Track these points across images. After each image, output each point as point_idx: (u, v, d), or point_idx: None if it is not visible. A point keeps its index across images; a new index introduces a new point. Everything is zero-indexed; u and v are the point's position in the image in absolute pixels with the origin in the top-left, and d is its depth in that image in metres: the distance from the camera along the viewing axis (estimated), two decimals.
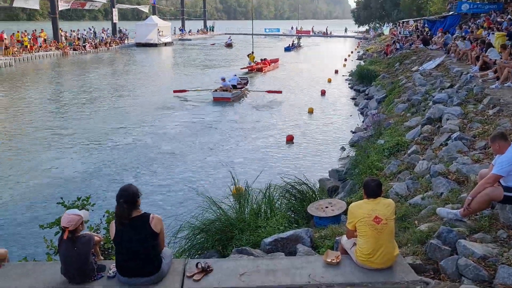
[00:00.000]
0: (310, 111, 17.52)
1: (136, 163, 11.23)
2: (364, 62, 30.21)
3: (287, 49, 47.37)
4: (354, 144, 11.50)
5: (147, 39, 50.29)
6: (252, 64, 30.88)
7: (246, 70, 29.60)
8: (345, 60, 37.17)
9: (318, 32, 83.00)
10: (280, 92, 20.43)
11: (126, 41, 51.08)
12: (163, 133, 14.13)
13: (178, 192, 9.41)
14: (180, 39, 63.82)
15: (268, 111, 17.86)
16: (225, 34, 78.49)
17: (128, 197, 3.72)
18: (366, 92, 19.68)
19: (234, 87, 20.99)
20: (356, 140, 11.73)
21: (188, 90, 20.78)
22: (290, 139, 13.44)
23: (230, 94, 20.02)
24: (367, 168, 7.84)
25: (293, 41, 52.36)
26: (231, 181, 7.03)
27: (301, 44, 52.93)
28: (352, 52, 44.66)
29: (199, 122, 15.76)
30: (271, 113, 17.50)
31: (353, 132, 13.83)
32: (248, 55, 33.20)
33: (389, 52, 28.54)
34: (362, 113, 16.31)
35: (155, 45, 50.27)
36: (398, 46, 28.52)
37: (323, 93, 21.67)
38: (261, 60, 31.83)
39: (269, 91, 20.63)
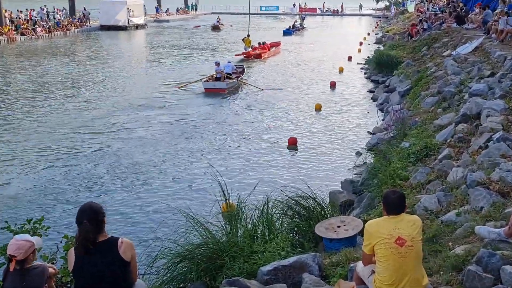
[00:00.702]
0: (318, 108, 17.71)
1: (103, 176, 11.29)
2: (383, 46, 30.48)
3: (287, 32, 47.73)
4: (372, 148, 11.62)
5: (115, 20, 50.46)
6: (249, 49, 31.27)
7: (242, 57, 30.16)
8: (360, 44, 37.47)
9: (326, 10, 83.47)
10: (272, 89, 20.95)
11: (87, 24, 51.24)
12: (138, 137, 14.24)
13: (156, 211, 9.45)
14: (155, 20, 64.02)
15: (266, 108, 18.03)
16: (212, 13, 78.71)
17: (92, 216, 3.73)
18: (387, 84, 19.88)
19: (229, 76, 21.63)
20: (375, 143, 11.82)
21: (181, 87, 21.17)
22: (292, 143, 13.56)
23: (225, 85, 20.61)
24: (389, 177, 7.88)
25: (295, 21, 52.68)
26: (220, 196, 7.05)
27: (304, 26, 53.40)
28: (368, 34, 45.00)
29: (184, 123, 15.88)
30: (270, 110, 17.67)
31: (371, 133, 13.98)
32: (243, 39, 33.60)
33: (415, 34, 28.68)
34: (381, 110, 16.45)
35: (124, 28, 50.49)
36: (425, 26, 28.67)
37: (333, 85, 21.90)
38: (259, 44, 32.34)
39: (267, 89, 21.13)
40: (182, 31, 51.83)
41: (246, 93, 20.96)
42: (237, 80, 21.87)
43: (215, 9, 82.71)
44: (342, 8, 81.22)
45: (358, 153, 12.39)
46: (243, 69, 24.34)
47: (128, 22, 51.19)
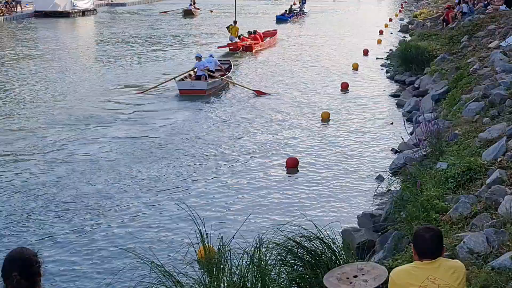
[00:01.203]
0: (325, 118, 17.82)
1: (39, 212, 11.17)
2: (411, 36, 30.97)
3: (281, 18, 48.24)
4: (398, 170, 11.58)
5: (54, 5, 50.63)
6: (236, 40, 31.72)
7: (227, 49, 30.94)
8: (381, 33, 37.85)
9: None
10: (265, 94, 21.22)
11: (18, 9, 51.30)
12: (85, 161, 14.13)
13: (110, 258, 9.38)
14: (108, 4, 64.36)
15: (259, 118, 18.13)
16: None
17: (24, 268, 3.69)
18: (416, 85, 19.94)
19: (212, 74, 22.25)
20: (401, 164, 11.80)
21: (144, 91, 21.62)
22: (292, 165, 13.58)
23: (205, 85, 21.12)
24: (421, 209, 7.88)
25: (293, 3, 53.03)
26: (196, 238, 7.01)
27: (305, 10, 53.94)
28: (391, 20, 45.55)
29: (148, 139, 15.85)
30: (264, 121, 17.75)
31: (397, 152, 14.00)
32: (228, 27, 34.03)
33: (451, 19, 29.07)
34: (409, 120, 16.43)
35: (66, 14, 50.71)
36: (465, 9, 29.07)
37: (344, 88, 22.08)
38: (250, 33, 33.18)
39: (259, 92, 21.41)
40: (143, 17, 52.19)
41: (233, 96, 21.19)
42: (222, 79, 22.29)
43: None
44: None
45: (380, 178, 12.34)
46: (230, 65, 24.79)
47: (72, 7, 51.36)
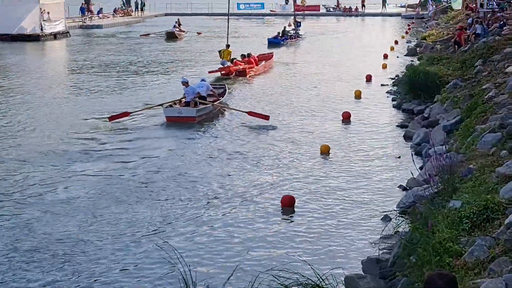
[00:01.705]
0: (324, 151, 17.85)
1: (2, 262, 10.99)
2: (419, 60, 30.98)
3: (274, 41, 48.66)
4: (407, 209, 11.55)
5: (20, 27, 50.82)
6: (228, 64, 32.04)
7: (219, 74, 31.59)
8: (385, 57, 38.11)
9: (334, 9, 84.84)
10: (267, 118, 21.60)
11: None
12: (58, 202, 13.92)
13: None
14: (82, 26, 64.82)
15: (252, 150, 18.25)
16: (165, 15, 79.64)
17: None
18: (425, 114, 20.05)
19: (203, 99, 22.77)
20: (410, 203, 11.77)
21: (130, 113, 22.44)
22: (288, 204, 13.54)
23: (194, 112, 21.71)
24: (432, 253, 7.88)
25: (285, 26, 53.31)
26: None
27: (300, 33, 54.24)
28: (397, 43, 45.89)
29: (129, 176, 15.79)
30: (257, 154, 17.84)
31: (405, 189, 13.98)
32: (219, 52, 34.60)
33: (464, 42, 29.24)
34: (418, 153, 16.48)
35: (36, 37, 50.80)
36: (479, 30, 29.29)
37: (346, 118, 22.15)
38: (243, 57, 33.90)
39: (252, 113, 22.01)
40: (121, 41, 52.58)
41: (225, 124, 21.52)
42: (212, 104, 22.84)
43: (171, 9, 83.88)
44: (363, 5, 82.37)
45: (386, 218, 12.27)
46: (225, 90, 25.43)
47: (42, 30, 51.57)
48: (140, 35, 56.13)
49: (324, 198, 14.16)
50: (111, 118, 21.70)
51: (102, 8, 74.99)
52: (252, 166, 16.72)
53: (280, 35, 50.56)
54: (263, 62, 35.01)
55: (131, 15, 78.52)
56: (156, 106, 22.88)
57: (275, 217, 13.09)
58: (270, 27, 60.77)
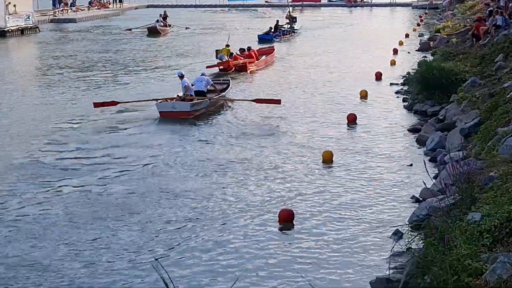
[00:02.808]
0: (327, 159, 17.82)
1: None
2: (432, 55, 31.08)
3: (265, 38, 48.26)
4: (421, 223, 11.52)
5: None
6: (225, 58, 32.98)
7: (217, 69, 32.79)
8: (395, 52, 38.35)
9: None
10: (278, 102, 23.36)
11: None
12: (31, 221, 13.82)
13: None
14: (53, 20, 64.91)
15: (247, 158, 18.29)
16: (148, 6, 79.52)
17: None
18: (440, 116, 20.08)
19: (201, 94, 24.11)
20: (424, 216, 11.76)
21: (118, 103, 23.90)
22: (287, 219, 13.54)
23: (188, 106, 22.86)
24: (449, 272, 7.87)
25: (278, 20, 52.60)
26: None
27: (295, 28, 53.78)
28: (407, 37, 46.18)
29: (112, 189, 15.74)
30: (253, 162, 17.86)
31: (418, 200, 14.01)
32: (216, 51, 35.34)
33: (483, 35, 29.25)
34: (433, 160, 16.53)
35: (0, 33, 50.65)
36: (500, 22, 29.26)
37: (351, 120, 22.16)
38: (242, 51, 34.96)
39: (260, 100, 23.64)
40: (99, 36, 52.64)
41: (223, 121, 22.48)
42: (209, 99, 23.83)
43: (154, 0, 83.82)
44: None
45: (397, 234, 12.26)
46: (228, 84, 26.63)
47: (5, 24, 51.39)
48: (125, 30, 56.29)
49: (326, 211, 14.13)
50: (97, 105, 23.23)
51: (74, 1, 74.60)
52: (246, 175, 16.72)
53: (273, 30, 50.25)
54: (264, 57, 35.67)
55: (108, 7, 78.47)
56: (149, 100, 24.06)
57: (272, 234, 13.03)
58: (264, 21, 60.87)
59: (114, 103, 23.56)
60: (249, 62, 33.34)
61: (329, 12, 74.33)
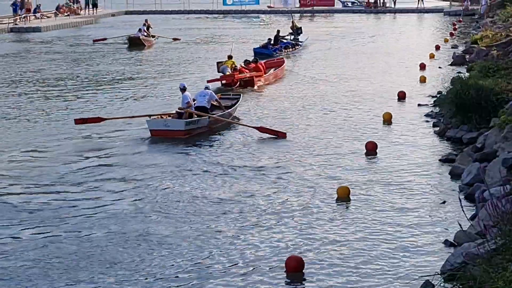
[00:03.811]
0: (343, 195, 17.27)
1: None
2: (469, 71, 30.64)
3: (261, 52, 45.02)
4: (455, 273, 11.19)
5: None
6: (229, 71, 33.11)
7: (219, 83, 32.83)
8: (423, 67, 37.92)
9: (354, 3, 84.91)
10: (283, 135, 22.86)
11: None
12: None
13: None
14: (13, 29, 64.76)
15: (251, 191, 17.94)
16: (126, 13, 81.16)
17: None
18: (478, 144, 19.55)
19: (203, 110, 23.66)
20: (460, 264, 11.49)
21: (104, 119, 24.10)
22: (295, 268, 13.01)
23: (182, 124, 22.60)
24: None
25: (279, 31, 49.67)
26: None
27: (300, 40, 51.14)
28: (438, 49, 45.82)
29: (82, 236, 14.97)
30: (256, 199, 17.37)
31: (452, 245, 13.65)
32: (218, 63, 35.60)
33: None
34: (469, 197, 16.13)
35: None
36: None
37: (371, 149, 21.58)
38: (247, 63, 34.59)
39: (264, 129, 22.98)
40: (67, 48, 52.69)
41: (223, 144, 22.20)
42: (209, 117, 23.58)
43: (133, 6, 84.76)
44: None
45: (428, 285, 11.76)
46: (239, 99, 26.39)
47: None
48: (94, 41, 55.69)
49: (342, 259, 13.65)
50: (78, 121, 23.53)
51: (40, 5, 74.20)
52: (246, 216, 16.19)
53: (272, 42, 47.10)
54: (272, 70, 35.38)
55: (79, 13, 78.88)
56: (141, 116, 24.19)
57: (279, 283, 12.63)
58: (266, 29, 61.08)
59: (98, 120, 23.79)
60: (257, 75, 33.07)
61: (344, 19, 75.80)
